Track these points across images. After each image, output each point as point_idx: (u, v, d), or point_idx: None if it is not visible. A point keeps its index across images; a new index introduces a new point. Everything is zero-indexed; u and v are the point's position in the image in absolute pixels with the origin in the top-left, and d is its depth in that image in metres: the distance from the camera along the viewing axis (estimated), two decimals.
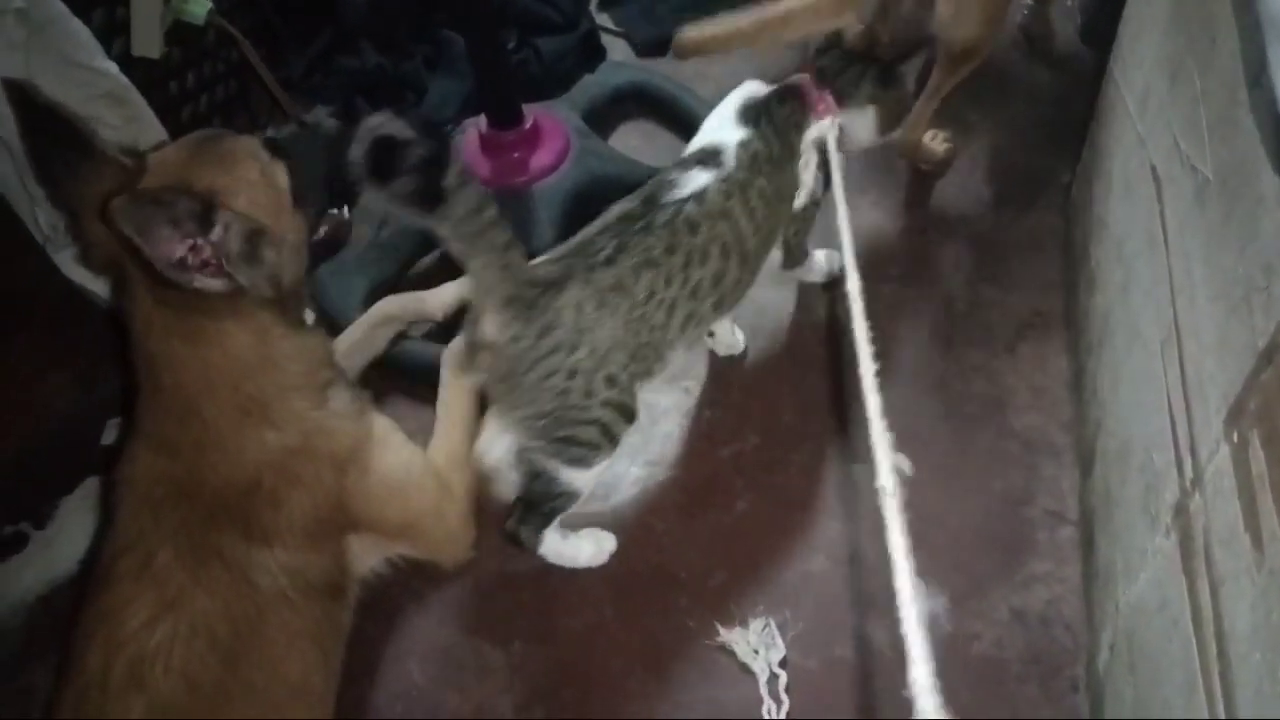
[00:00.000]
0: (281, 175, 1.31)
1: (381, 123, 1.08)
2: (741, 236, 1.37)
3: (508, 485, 1.42)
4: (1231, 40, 1.02)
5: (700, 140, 1.45)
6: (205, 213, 1.16)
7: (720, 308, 1.40)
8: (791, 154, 1.45)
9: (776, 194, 1.43)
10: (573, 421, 1.28)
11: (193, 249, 1.15)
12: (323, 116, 1.47)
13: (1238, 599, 0.88)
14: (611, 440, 1.33)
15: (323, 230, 1.44)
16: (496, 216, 1.17)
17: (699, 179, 1.35)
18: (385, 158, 1.07)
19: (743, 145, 1.40)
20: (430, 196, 1.11)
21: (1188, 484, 1.03)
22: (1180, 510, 1.04)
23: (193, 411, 1.22)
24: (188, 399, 1.22)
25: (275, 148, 1.33)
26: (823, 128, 1.45)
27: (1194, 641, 0.97)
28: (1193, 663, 0.96)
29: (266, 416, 1.24)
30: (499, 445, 1.37)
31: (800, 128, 1.46)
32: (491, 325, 1.22)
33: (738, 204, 1.36)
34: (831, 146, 1.44)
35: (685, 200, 1.32)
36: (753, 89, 1.50)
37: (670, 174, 1.37)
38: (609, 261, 1.26)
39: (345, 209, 1.50)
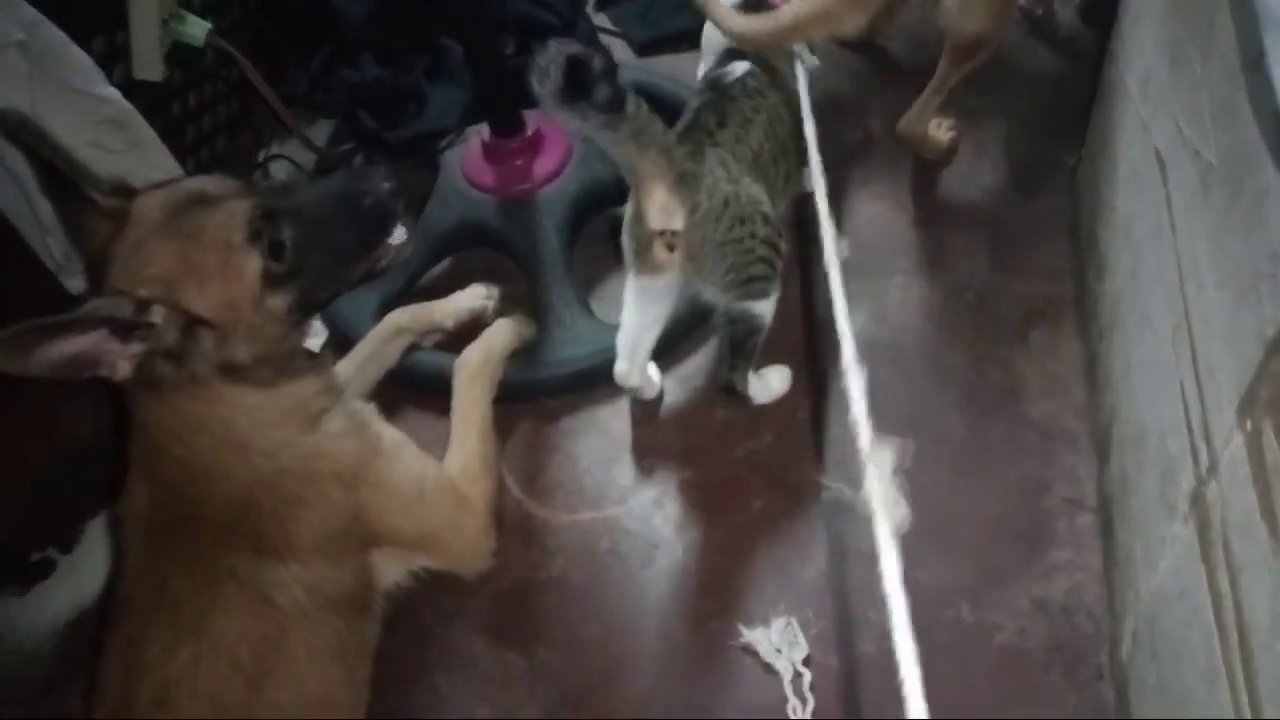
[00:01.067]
0: (252, 262, 1.19)
1: (559, 47, 1.19)
2: (791, 103, 1.53)
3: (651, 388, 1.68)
4: (1230, 26, 1.01)
5: (716, 49, 1.63)
6: (138, 309, 1.12)
7: (792, 173, 1.59)
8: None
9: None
10: (748, 263, 1.44)
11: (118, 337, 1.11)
12: (381, 171, 1.35)
13: (1257, 588, 0.87)
14: (776, 271, 1.49)
15: (361, 267, 1.35)
16: (649, 108, 1.32)
17: (739, 65, 1.56)
18: (576, 76, 1.20)
19: None
20: (621, 99, 1.25)
21: (1203, 472, 1.03)
22: (1197, 499, 1.04)
23: (166, 451, 1.21)
24: (160, 440, 1.21)
25: (270, 216, 1.22)
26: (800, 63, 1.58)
27: (1215, 631, 0.96)
28: (1214, 652, 0.96)
29: (246, 448, 1.23)
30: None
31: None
32: (661, 212, 1.37)
33: (778, 80, 1.56)
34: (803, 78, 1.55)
35: (743, 76, 1.54)
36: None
37: (714, 73, 1.57)
38: (721, 125, 1.47)
39: (399, 232, 1.37)
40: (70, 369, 1.09)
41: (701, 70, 1.66)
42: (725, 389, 1.58)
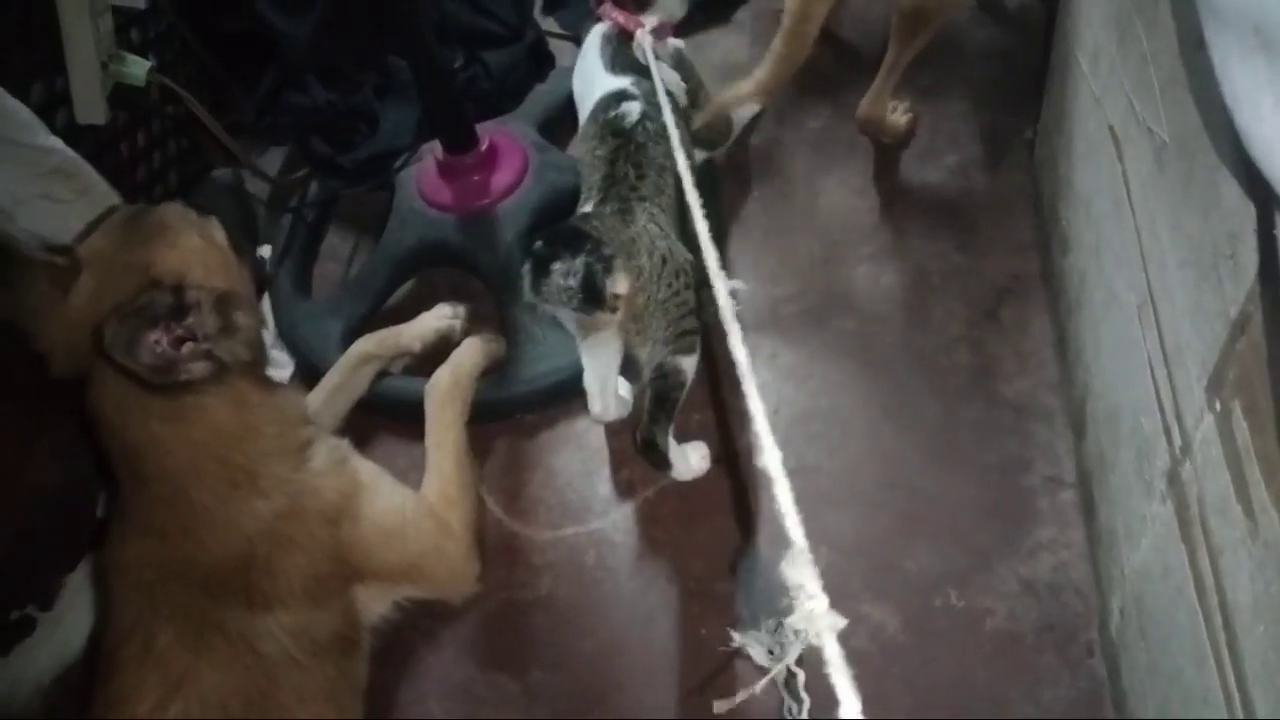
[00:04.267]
0: (219, 232, 1.31)
1: (566, 269, 1.30)
2: (685, 138, 1.53)
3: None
4: (1170, 1, 1.00)
5: (595, 92, 1.63)
6: (177, 297, 1.16)
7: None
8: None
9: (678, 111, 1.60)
10: (683, 316, 1.44)
11: (173, 338, 1.16)
12: (220, 172, 1.50)
13: (1237, 570, 0.87)
14: (699, 320, 1.46)
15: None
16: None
17: (633, 106, 1.56)
18: (592, 285, 1.31)
19: (635, 84, 1.60)
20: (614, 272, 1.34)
21: (1178, 451, 1.02)
22: (1173, 478, 1.04)
23: (180, 495, 1.21)
24: (174, 484, 1.21)
25: (200, 206, 1.33)
26: (640, 39, 1.64)
27: (1199, 610, 0.96)
28: (1200, 631, 0.96)
29: (254, 486, 1.23)
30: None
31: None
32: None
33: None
34: (648, 50, 1.61)
35: (640, 120, 1.54)
36: (596, 38, 1.71)
37: (607, 114, 1.57)
38: (641, 176, 1.48)
39: (263, 249, 1.52)
40: (157, 374, 1.15)
41: (583, 118, 1.66)
42: (646, 445, 1.47)
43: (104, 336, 1.11)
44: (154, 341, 1.15)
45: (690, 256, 1.45)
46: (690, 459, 1.56)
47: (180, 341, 1.17)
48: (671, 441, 1.49)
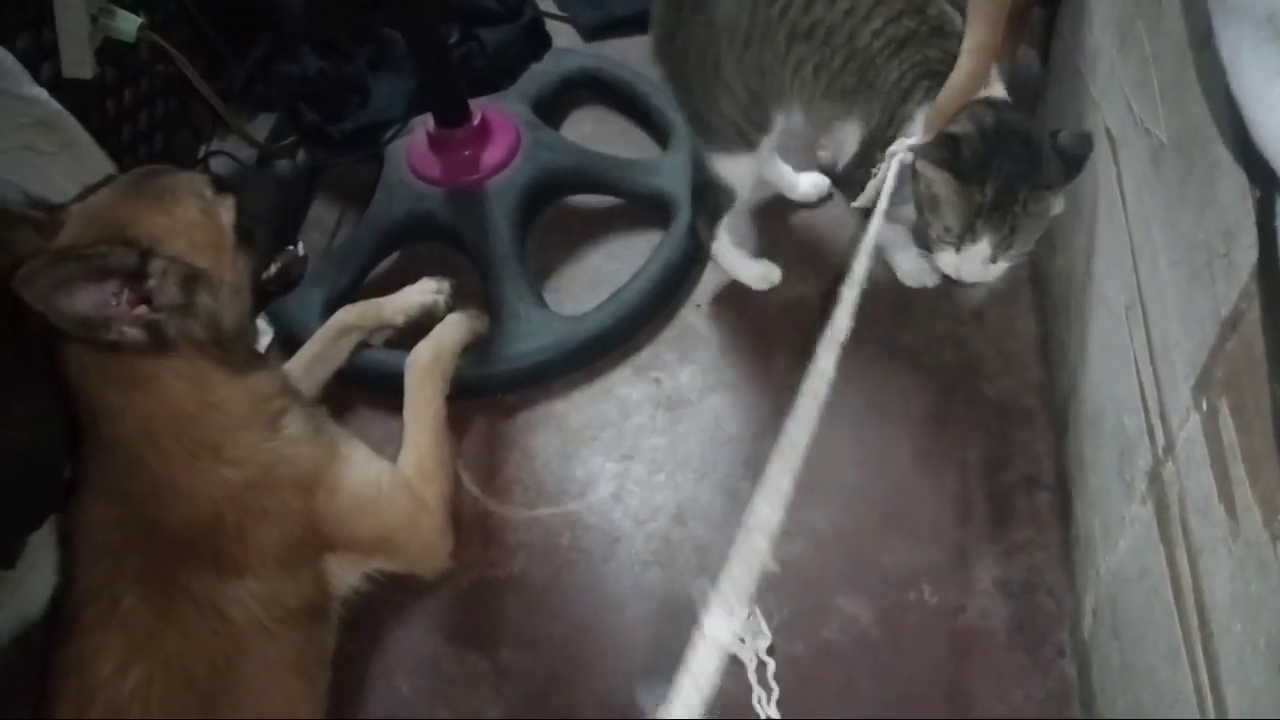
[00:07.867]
0: (226, 213, 1.26)
1: None
2: (852, 34, 1.33)
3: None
4: (1178, 1, 1.00)
5: None
6: (141, 260, 1.13)
7: (821, 90, 1.40)
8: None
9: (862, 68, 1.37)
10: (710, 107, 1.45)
11: (123, 295, 1.13)
12: (282, 163, 1.44)
13: (1216, 570, 0.87)
14: (744, 138, 1.47)
15: (274, 267, 1.39)
16: None
17: None
18: None
19: None
20: None
21: (1160, 451, 1.02)
22: (1155, 478, 1.04)
23: (138, 461, 1.18)
24: (131, 449, 1.18)
25: (222, 183, 1.29)
26: (902, 144, 1.30)
27: (1175, 610, 0.96)
28: (1175, 631, 0.96)
29: (218, 456, 1.21)
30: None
31: (908, 98, 1.35)
32: None
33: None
34: (891, 170, 1.28)
35: None
36: None
37: None
38: None
39: (300, 246, 1.44)
40: (82, 327, 1.10)
41: None
42: (691, 229, 1.68)
43: (18, 270, 1.03)
44: (110, 295, 1.11)
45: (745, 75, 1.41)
46: (751, 267, 1.72)
47: (136, 303, 1.14)
48: (734, 245, 1.68)
